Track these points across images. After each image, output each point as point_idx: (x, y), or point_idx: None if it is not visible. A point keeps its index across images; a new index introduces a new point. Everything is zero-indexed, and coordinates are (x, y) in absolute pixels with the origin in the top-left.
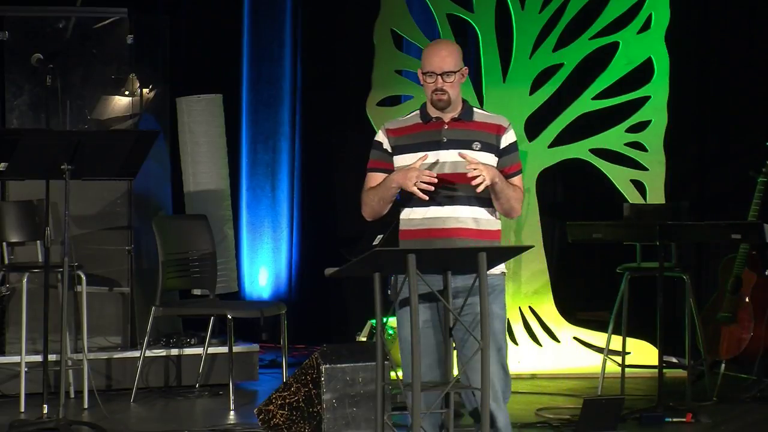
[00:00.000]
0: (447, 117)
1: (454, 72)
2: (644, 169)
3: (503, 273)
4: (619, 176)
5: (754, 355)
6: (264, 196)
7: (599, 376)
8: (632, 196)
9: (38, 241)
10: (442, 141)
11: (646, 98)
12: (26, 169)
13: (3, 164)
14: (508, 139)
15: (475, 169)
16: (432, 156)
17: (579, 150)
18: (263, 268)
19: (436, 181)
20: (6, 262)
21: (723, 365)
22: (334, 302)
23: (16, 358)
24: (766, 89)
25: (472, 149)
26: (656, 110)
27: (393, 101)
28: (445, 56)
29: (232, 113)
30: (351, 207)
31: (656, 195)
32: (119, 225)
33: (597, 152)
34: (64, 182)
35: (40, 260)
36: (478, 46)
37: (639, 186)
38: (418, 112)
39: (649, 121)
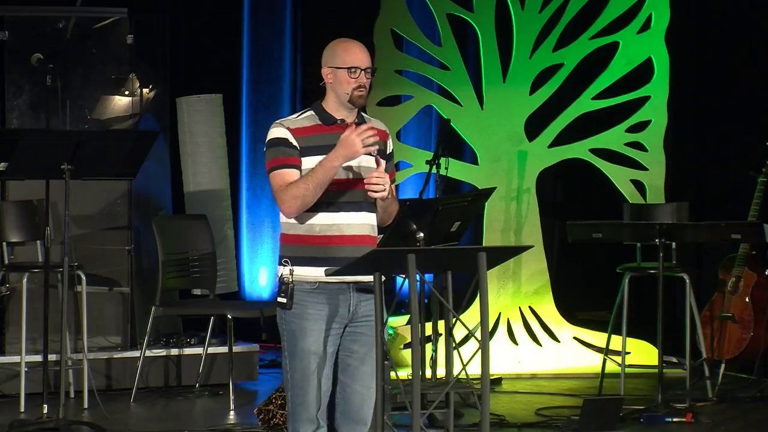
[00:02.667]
0: (349, 120)
1: (373, 69)
2: (644, 169)
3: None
4: (619, 176)
5: (754, 355)
6: (264, 196)
7: (599, 376)
8: (632, 196)
9: (38, 241)
10: None
11: (646, 98)
12: (26, 169)
13: (3, 164)
14: (390, 145)
15: (380, 177)
16: None
17: (579, 150)
18: (263, 268)
19: (376, 132)
20: (6, 262)
21: (723, 365)
22: None
23: (16, 358)
24: (766, 89)
25: (371, 154)
26: (656, 110)
27: (393, 101)
28: (366, 52)
29: (232, 113)
30: None
31: (656, 195)
32: (119, 225)
33: (597, 152)
34: (64, 182)
35: (40, 260)
36: (478, 46)
37: (639, 186)
38: (312, 113)
39: (649, 121)
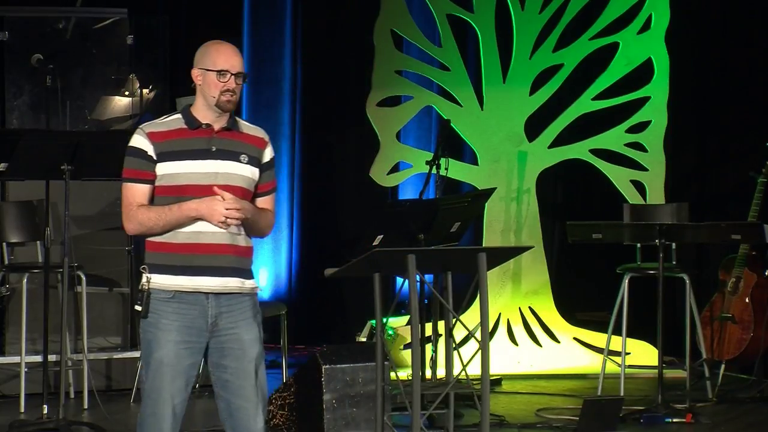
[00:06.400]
0: (216, 125)
1: (244, 75)
2: (644, 169)
3: (257, 289)
4: (619, 176)
5: (754, 355)
6: None
7: (599, 376)
8: (632, 196)
9: (38, 242)
10: (212, 150)
11: (646, 98)
12: (26, 170)
13: (3, 164)
14: (269, 153)
15: (234, 208)
16: (201, 165)
17: (579, 150)
18: (263, 269)
19: (241, 214)
20: (6, 262)
21: (723, 365)
22: (334, 302)
23: (16, 359)
24: (766, 89)
25: (240, 161)
26: (656, 110)
27: (393, 101)
28: (238, 56)
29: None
30: (351, 207)
31: (656, 195)
32: (119, 225)
33: (597, 152)
34: (64, 182)
35: (40, 260)
36: (478, 47)
37: (639, 186)
38: (179, 116)
39: (649, 122)
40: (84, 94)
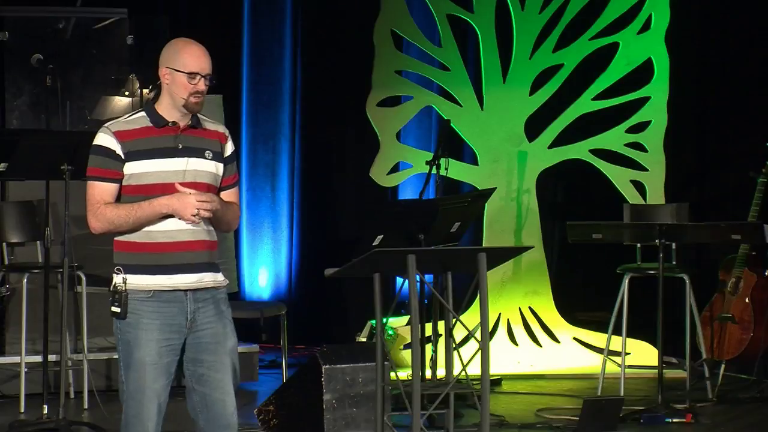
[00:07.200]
0: (182, 122)
1: (212, 76)
2: (644, 169)
3: (226, 281)
4: (619, 176)
5: (754, 355)
6: (264, 197)
7: (599, 377)
8: (632, 197)
9: (38, 242)
10: (178, 148)
11: (646, 99)
12: (26, 170)
13: (3, 165)
14: (230, 147)
15: (208, 201)
16: (169, 164)
17: (579, 150)
18: (263, 269)
19: (211, 206)
20: (6, 262)
21: (723, 365)
22: (334, 302)
23: (16, 359)
24: (766, 89)
25: (205, 158)
26: (656, 111)
27: (393, 102)
28: (208, 58)
29: (232, 113)
30: (351, 207)
31: (656, 195)
32: None
33: (597, 153)
34: (64, 182)
35: (40, 260)
36: (478, 47)
37: (639, 186)
38: (143, 114)
39: (649, 122)
40: (84, 94)
